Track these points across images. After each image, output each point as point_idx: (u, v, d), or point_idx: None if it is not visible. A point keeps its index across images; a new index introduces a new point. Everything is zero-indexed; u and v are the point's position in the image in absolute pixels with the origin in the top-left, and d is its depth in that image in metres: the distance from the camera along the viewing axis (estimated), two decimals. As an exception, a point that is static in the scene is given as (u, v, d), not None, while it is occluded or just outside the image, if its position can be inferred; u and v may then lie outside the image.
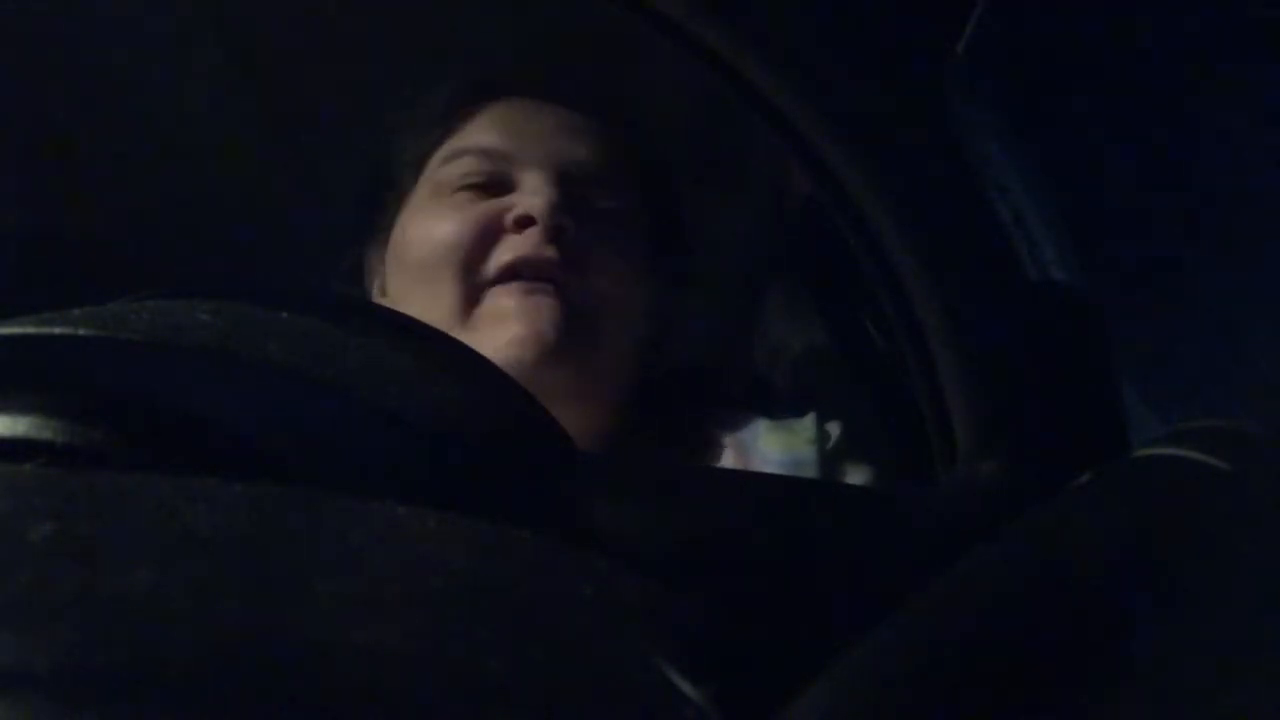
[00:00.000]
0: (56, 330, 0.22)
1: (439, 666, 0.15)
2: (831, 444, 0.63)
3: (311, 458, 0.22)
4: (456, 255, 0.60)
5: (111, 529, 0.16)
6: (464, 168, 0.64)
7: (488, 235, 0.61)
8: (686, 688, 0.16)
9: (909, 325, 0.50)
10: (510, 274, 0.60)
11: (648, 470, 0.53)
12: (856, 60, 0.48)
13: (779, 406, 0.68)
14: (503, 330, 0.59)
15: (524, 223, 0.60)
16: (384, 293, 0.68)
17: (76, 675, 0.13)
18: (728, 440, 0.65)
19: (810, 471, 0.62)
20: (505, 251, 0.60)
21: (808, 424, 0.64)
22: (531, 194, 0.61)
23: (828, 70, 0.47)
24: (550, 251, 0.60)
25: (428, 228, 0.63)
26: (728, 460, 0.64)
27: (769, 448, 0.63)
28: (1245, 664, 0.22)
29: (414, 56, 0.73)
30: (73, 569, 0.15)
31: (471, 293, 0.60)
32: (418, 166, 0.67)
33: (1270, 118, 0.49)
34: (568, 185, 0.63)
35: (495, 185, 0.63)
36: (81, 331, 0.22)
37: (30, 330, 0.22)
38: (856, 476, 0.63)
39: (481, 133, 0.66)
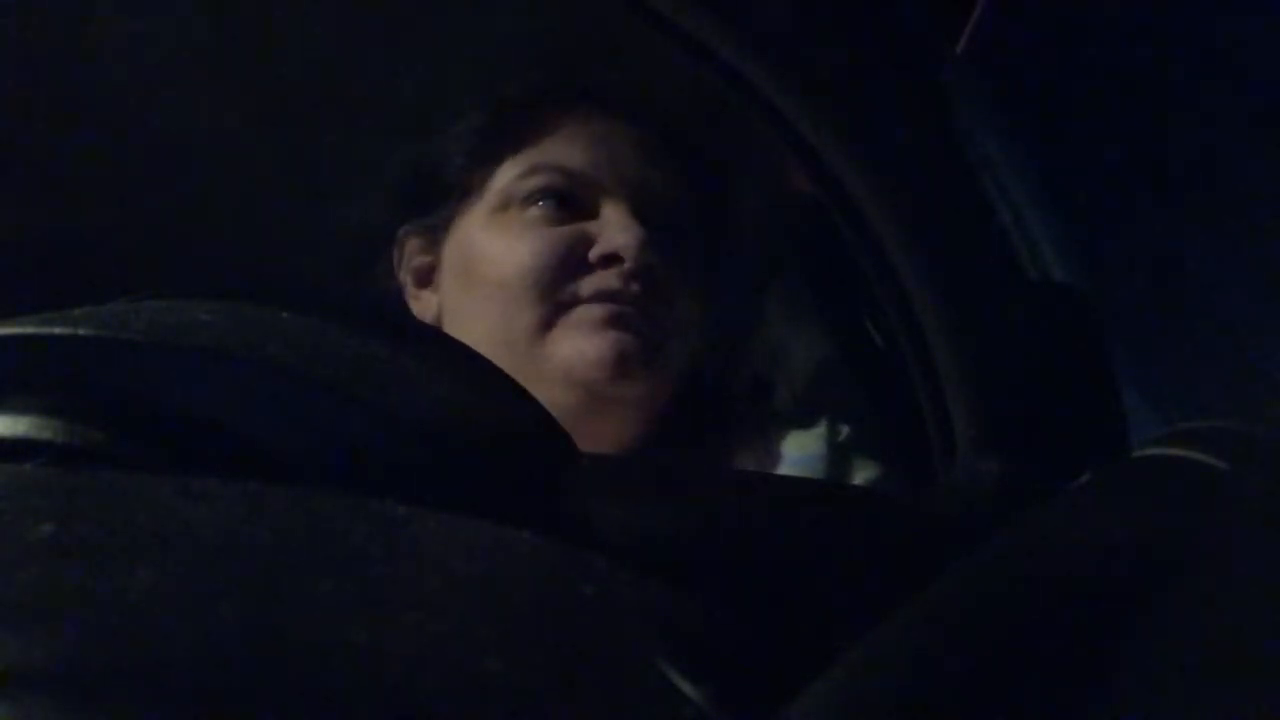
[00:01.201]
0: (56, 330, 0.22)
1: (439, 666, 0.15)
2: (842, 443, 0.64)
3: (311, 458, 0.22)
4: (538, 281, 0.60)
5: (111, 529, 0.16)
6: (542, 184, 0.63)
7: (570, 264, 0.61)
8: (686, 688, 0.16)
9: (909, 325, 0.50)
10: (594, 299, 0.60)
11: (648, 470, 0.53)
12: (857, 60, 0.48)
13: (783, 406, 0.69)
14: (586, 341, 0.59)
15: (611, 261, 0.60)
16: (424, 284, 0.68)
17: (76, 675, 0.13)
18: (742, 441, 0.65)
19: (820, 470, 0.63)
20: (589, 285, 0.60)
21: (820, 424, 0.64)
22: (619, 229, 0.61)
23: (828, 71, 0.47)
24: (635, 288, 0.60)
25: (504, 248, 0.62)
26: (743, 460, 0.65)
27: (785, 448, 0.64)
28: (1246, 664, 0.22)
29: (416, 55, 0.73)
30: (73, 569, 0.15)
31: (554, 310, 0.60)
32: (485, 172, 0.66)
33: (1272, 115, 0.49)
34: (650, 216, 0.62)
35: (573, 206, 0.63)
36: (81, 331, 0.22)
37: (30, 330, 0.22)
38: (864, 476, 0.63)
39: (563, 149, 0.64)
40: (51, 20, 0.68)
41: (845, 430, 0.64)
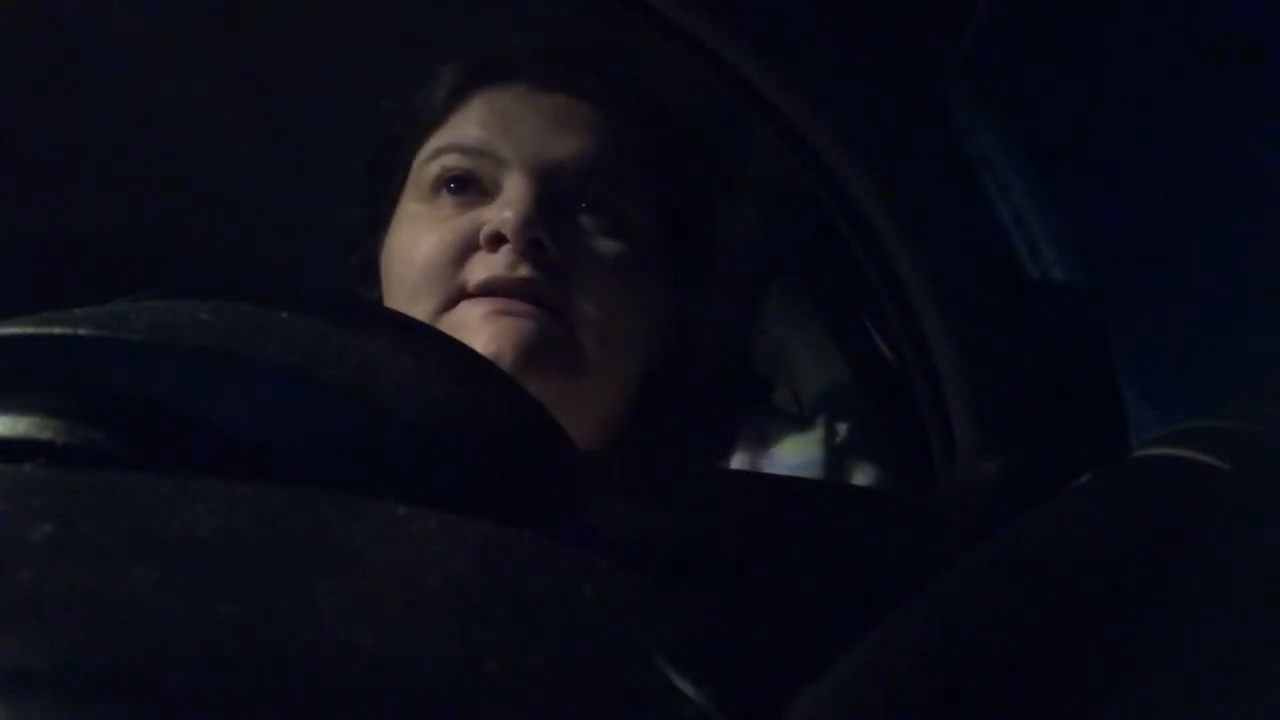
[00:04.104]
0: (56, 330, 0.22)
1: (439, 666, 0.15)
2: (839, 445, 0.62)
3: (311, 458, 0.22)
4: (433, 274, 0.57)
5: (111, 529, 0.16)
6: (445, 168, 0.59)
7: (463, 252, 0.57)
8: (686, 688, 0.16)
9: (909, 325, 0.50)
10: (485, 291, 0.56)
11: (648, 470, 0.53)
12: (857, 60, 0.48)
13: (783, 407, 0.68)
14: (470, 340, 0.54)
15: (496, 240, 0.56)
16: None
17: (76, 675, 0.13)
18: (740, 444, 0.63)
19: (818, 475, 0.61)
20: (478, 269, 0.56)
21: (817, 426, 0.62)
22: (505, 205, 0.56)
23: (828, 70, 0.47)
24: (524, 270, 0.55)
25: (409, 242, 0.59)
26: (740, 464, 0.63)
27: (782, 453, 0.62)
28: (1246, 664, 0.22)
29: (417, 54, 0.73)
30: (73, 569, 0.15)
31: (443, 304, 0.57)
32: (409, 160, 0.63)
33: (1271, 115, 0.49)
34: (553, 187, 0.57)
35: (478, 188, 0.59)
36: (81, 331, 0.22)
37: (30, 330, 0.22)
38: (863, 477, 0.62)
39: (465, 126, 0.60)
40: (53, 21, 0.68)
41: (843, 432, 0.62)
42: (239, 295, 0.25)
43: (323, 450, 0.22)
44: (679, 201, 0.63)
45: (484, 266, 0.56)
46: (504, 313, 0.55)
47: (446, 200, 0.59)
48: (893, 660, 0.19)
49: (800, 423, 0.64)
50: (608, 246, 0.58)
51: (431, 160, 0.60)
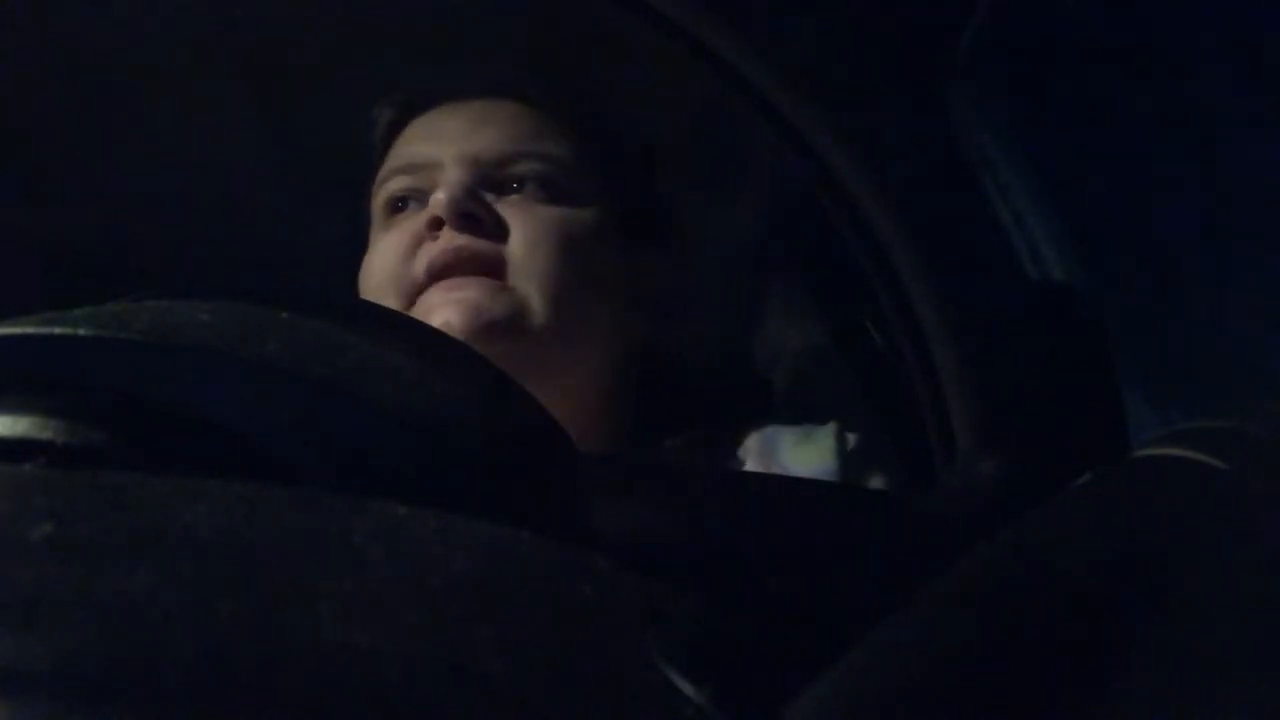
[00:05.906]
0: (56, 330, 0.22)
1: (439, 667, 0.15)
2: (851, 452, 0.62)
3: (312, 457, 0.22)
4: (391, 273, 0.62)
5: (111, 529, 0.16)
6: (391, 191, 0.65)
7: (412, 247, 0.61)
8: (686, 688, 0.16)
9: (909, 325, 0.50)
10: (436, 276, 0.60)
11: (648, 470, 0.53)
12: (857, 61, 0.48)
13: (787, 412, 0.68)
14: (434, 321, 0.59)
15: (435, 225, 0.61)
16: None
17: (76, 675, 0.13)
18: (751, 452, 0.64)
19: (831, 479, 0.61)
20: (422, 261, 0.60)
21: (828, 434, 0.63)
22: (438, 192, 0.61)
23: (829, 70, 0.47)
24: (462, 241, 0.60)
25: (370, 256, 0.65)
26: (740, 461, 0.63)
27: (794, 462, 0.63)
28: (1245, 665, 0.22)
29: (417, 53, 0.73)
30: (73, 569, 0.15)
31: (408, 300, 0.61)
32: (373, 192, 0.68)
33: (1272, 115, 0.49)
34: (485, 171, 0.62)
35: (423, 199, 0.63)
36: (81, 331, 0.22)
37: (30, 330, 0.22)
38: (870, 481, 0.62)
39: (406, 146, 0.66)
40: (52, 21, 0.68)
41: (853, 440, 0.63)
42: (239, 295, 0.25)
43: (323, 450, 0.22)
44: (619, 176, 0.67)
45: (427, 252, 0.61)
46: (456, 288, 0.59)
47: (399, 216, 0.64)
48: (892, 661, 0.19)
49: (813, 431, 0.64)
50: (545, 212, 0.62)
51: (380, 188, 0.66)
